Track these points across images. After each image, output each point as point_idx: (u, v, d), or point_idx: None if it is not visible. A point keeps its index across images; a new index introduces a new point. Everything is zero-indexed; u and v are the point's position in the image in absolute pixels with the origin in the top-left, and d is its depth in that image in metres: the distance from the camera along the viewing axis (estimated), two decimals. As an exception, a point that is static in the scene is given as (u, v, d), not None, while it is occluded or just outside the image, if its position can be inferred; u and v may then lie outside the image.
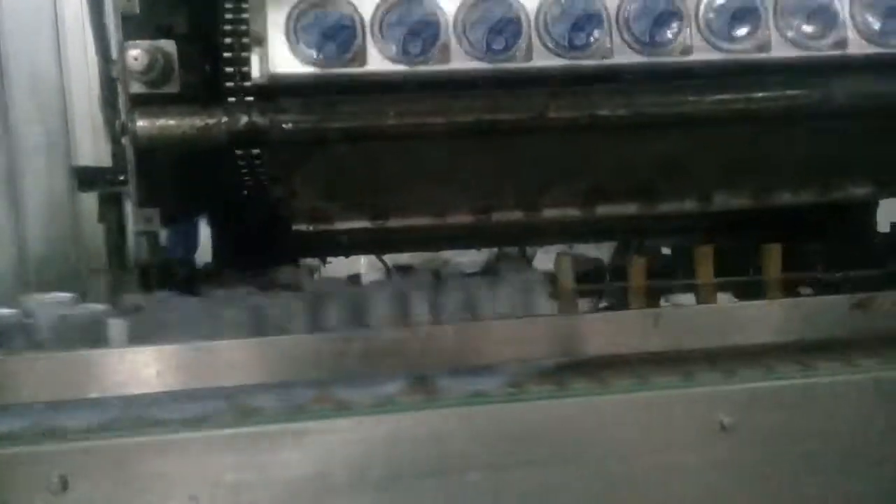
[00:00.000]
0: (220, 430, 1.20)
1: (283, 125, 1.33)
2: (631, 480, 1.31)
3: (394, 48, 1.33)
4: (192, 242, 3.78)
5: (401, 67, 1.34)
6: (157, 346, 1.21)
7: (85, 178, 1.59)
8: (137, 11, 1.32)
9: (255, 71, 1.34)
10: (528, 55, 1.35)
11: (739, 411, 1.31)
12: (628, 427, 1.32)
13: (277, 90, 1.35)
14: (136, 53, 1.27)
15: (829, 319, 1.42)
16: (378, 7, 1.32)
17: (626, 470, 1.30)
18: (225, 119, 1.33)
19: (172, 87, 1.33)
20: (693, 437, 1.32)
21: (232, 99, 1.38)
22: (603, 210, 1.61)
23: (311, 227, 1.55)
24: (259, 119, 1.33)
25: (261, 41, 1.33)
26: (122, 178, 1.46)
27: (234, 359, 1.25)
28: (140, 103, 1.32)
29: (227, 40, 1.40)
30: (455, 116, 1.30)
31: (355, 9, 1.31)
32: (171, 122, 1.31)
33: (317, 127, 1.34)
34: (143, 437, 1.19)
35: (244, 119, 1.33)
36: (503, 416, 1.30)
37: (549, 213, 1.61)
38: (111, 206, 1.57)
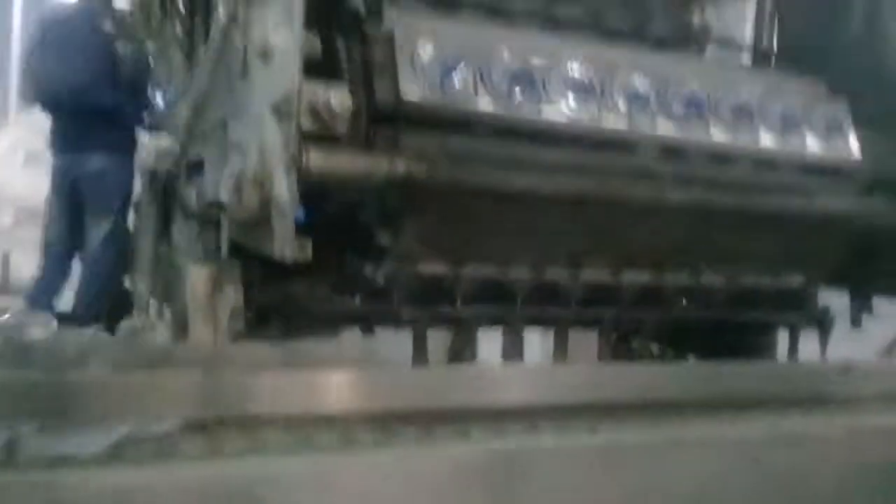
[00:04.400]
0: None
1: (436, 177, 1.49)
2: None
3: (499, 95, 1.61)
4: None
5: (505, 112, 1.61)
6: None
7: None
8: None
9: (381, 97, 1.54)
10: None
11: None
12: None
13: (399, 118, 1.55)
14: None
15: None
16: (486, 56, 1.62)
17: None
18: (386, 165, 1.46)
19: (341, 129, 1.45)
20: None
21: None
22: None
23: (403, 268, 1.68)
24: (415, 169, 1.48)
25: (386, 72, 1.52)
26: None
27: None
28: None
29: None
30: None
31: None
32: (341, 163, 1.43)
33: (462, 181, 1.52)
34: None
35: (402, 167, 1.47)
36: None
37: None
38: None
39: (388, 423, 1.30)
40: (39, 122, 5.34)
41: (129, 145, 3.48)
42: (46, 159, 4.42)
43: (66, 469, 1.04)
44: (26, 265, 5.74)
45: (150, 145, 3.16)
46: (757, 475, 1.47)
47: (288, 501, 1.13)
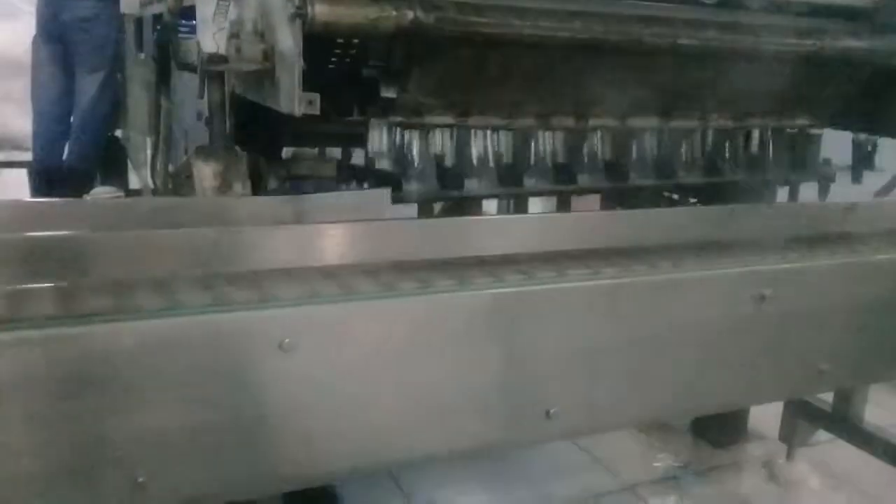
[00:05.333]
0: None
1: (444, 24, 1.45)
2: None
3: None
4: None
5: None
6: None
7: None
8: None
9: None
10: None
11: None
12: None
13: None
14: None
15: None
16: None
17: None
18: (394, 13, 1.42)
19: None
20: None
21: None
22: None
23: (409, 120, 1.66)
24: (423, 17, 1.44)
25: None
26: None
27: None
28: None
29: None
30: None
31: None
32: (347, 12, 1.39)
33: (470, 29, 1.48)
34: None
35: (410, 15, 1.43)
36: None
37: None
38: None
39: (391, 272, 1.33)
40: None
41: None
42: (22, 12, 4.28)
43: (72, 325, 1.07)
44: (3, 115, 5.68)
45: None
46: (762, 311, 1.50)
47: (298, 348, 1.16)
